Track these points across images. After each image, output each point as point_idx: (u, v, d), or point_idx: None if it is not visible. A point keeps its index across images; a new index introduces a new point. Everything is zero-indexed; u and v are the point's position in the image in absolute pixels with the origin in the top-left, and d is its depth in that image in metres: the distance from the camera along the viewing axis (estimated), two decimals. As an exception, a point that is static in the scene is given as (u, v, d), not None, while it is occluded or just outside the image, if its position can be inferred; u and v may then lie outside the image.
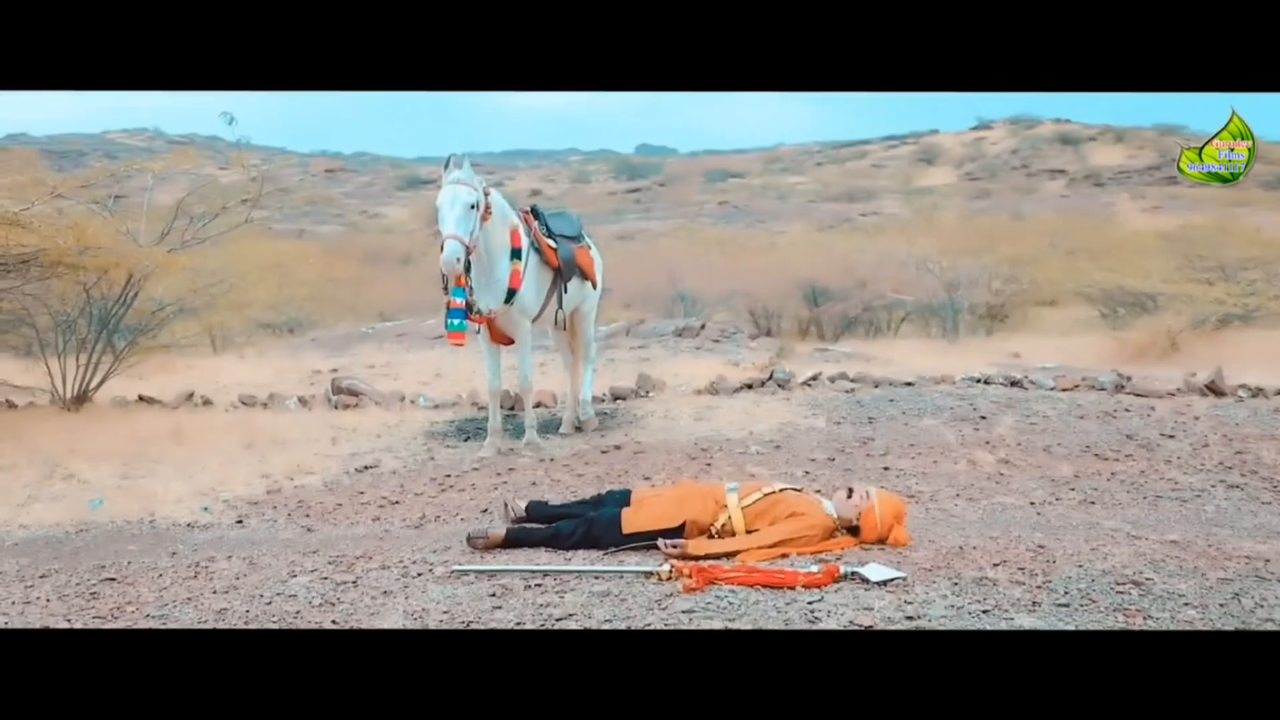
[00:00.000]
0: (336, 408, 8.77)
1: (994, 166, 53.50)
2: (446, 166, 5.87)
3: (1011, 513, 5.12)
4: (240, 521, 5.25)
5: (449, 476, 6.09)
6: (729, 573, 4.05)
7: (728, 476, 5.91)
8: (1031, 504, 5.29)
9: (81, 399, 8.98)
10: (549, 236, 6.71)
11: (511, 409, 8.58)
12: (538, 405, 8.75)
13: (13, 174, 7.70)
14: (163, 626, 3.66)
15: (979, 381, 8.50)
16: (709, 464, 6.24)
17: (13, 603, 3.96)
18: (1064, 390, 8.19)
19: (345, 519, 5.29)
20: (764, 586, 3.96)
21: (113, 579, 4.23)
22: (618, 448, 6.74)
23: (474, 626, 3.63)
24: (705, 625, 3.59)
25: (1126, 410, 7.35)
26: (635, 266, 25.56)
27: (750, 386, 8.64)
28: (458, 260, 5.68)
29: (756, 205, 45.76)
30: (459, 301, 5.99)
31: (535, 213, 6.80)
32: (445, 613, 3.75)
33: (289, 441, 7.28)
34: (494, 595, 3.92)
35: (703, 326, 13.12)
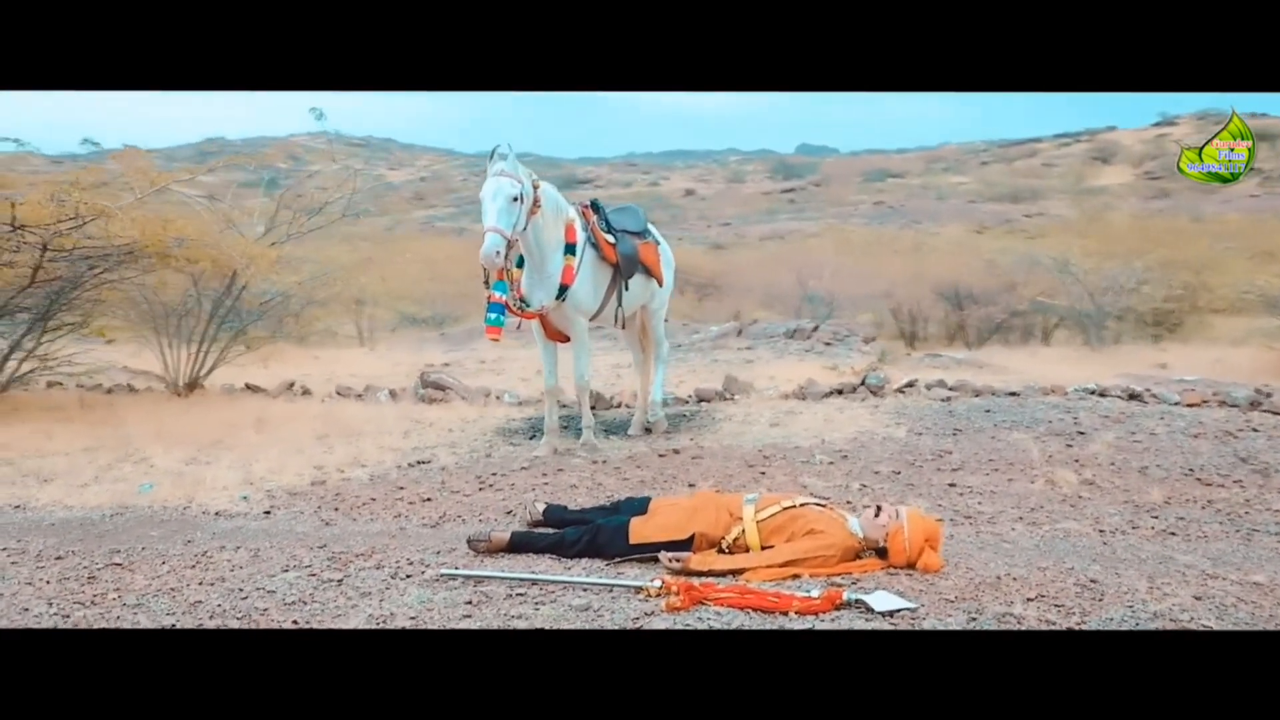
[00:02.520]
0: (423, 401, 8.83)
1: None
2: (491, 158, 5.74)
3: (1074, 540, 4.58)
4: (268, 513, 5.26)
5: (494, 475, 5.96)
6: (720, 592, 3.74)
7: (781, 487, 5.56)
8: (1101, 531, 4.71)
9: (192, 386, 9.36)
10: (608, 231, 6.48)
11: (593, 407, 8.42)
12: (619, 405, 8.58)
13: (126, 170, 8.05)
14: (133, 616, 3.64)
15: (1092, 393, 7.79)
16: (763, 472, 5.90)
17: (15, 581, 4.05)
18: (1189, 405, 7.40)
19: (371, 514, 5.22)
20: (755, 610, 3.64)
21: (118, 564, 4.27)
22: (676, 452, 6.47)
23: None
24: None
25: (1254, 430, 6.55)
26: (777, 267, 25.17)
27: (840, 392, 8.21)
28: (497, 254, 5.53)
29: (913, 206, 44.32)
30: (499, 296, 5.84)
31: (595, 207, 6.59)
32: (413, 618, 3.60)
33: (362, 434, 7.33)
34: (470, 603, 3.74)
35: (815, 328, 12.64)
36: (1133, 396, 7.71)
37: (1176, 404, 7.48)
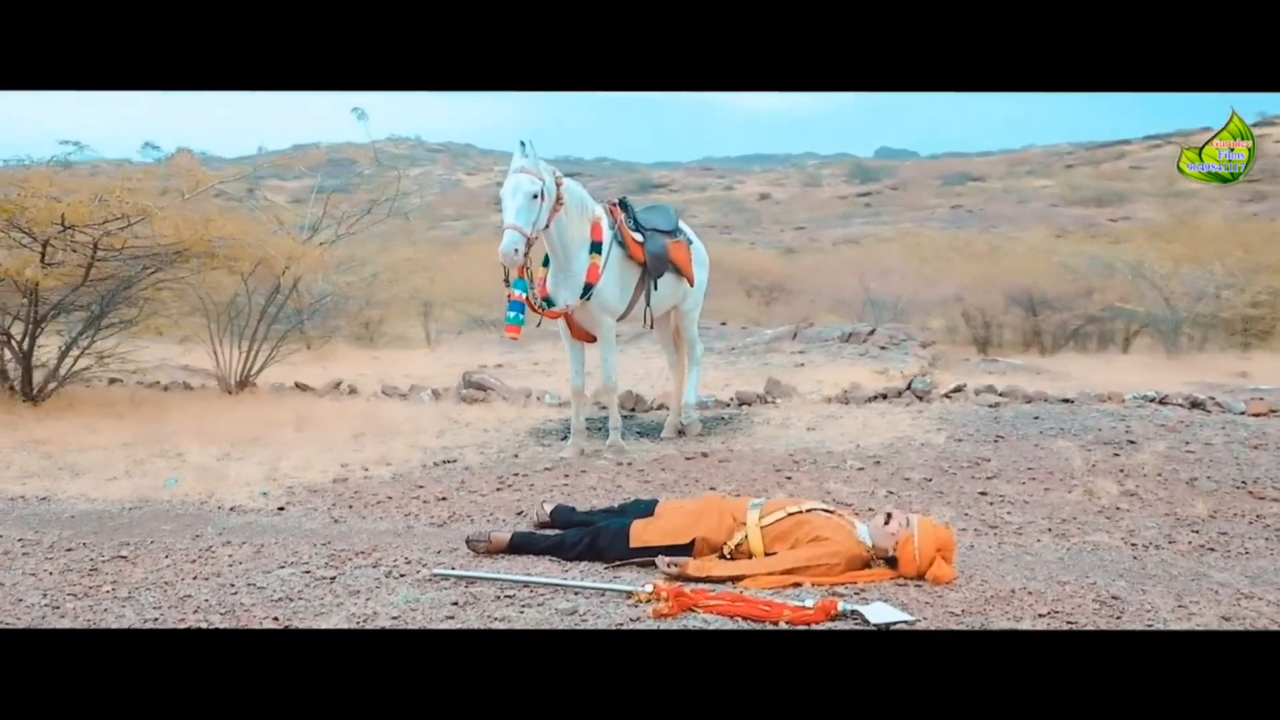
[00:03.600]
0: (463, 401, 8.83)
1: (1276, 166, 47.80)
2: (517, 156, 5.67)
3: (1102, 554, 4.32)
4: (281, 509, 5.26)
5: (515, 476, 5.89)
6: (711, 599, 3.60)
7: (806, 492, 5.39)
8: (1132, 545, 4.44)
9: (243, 384, 9.51)
10: (636, 230, 6.37)
11: (631, 409, 8.34)
12: (660, 407, 8.46)
13: (173, 172, 8.21)
14: (120, 609, 3.64)
15: (1151, 401, 7.43)
16: (789, 477, 5.72)
17: (19, 571, 4.10)
18: (1254, 415, 7.00)
19: (383, 513, 5.19)
20: (745, 618, 3.49)
21: (124, 557, 4.31)
22: (704, 455, 6.33)
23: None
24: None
25: (1322, 442, 6.16)
26: (846, 271, 24.76)
27: (884, 396, 7.97)
28: (516, 251, 5.47)
29: (992, 209, 43.32)
30: (519, 294, 5.78)
31: (623, 205, 6.48)
32: (394, 618, 3.54)
33: (397, 433, 7.33)
34: (456, 604, 3.66)
35: (871, 332, 12.35)
36: (1195, 405, 7.33)
37: (1241, 413, 7.09)
